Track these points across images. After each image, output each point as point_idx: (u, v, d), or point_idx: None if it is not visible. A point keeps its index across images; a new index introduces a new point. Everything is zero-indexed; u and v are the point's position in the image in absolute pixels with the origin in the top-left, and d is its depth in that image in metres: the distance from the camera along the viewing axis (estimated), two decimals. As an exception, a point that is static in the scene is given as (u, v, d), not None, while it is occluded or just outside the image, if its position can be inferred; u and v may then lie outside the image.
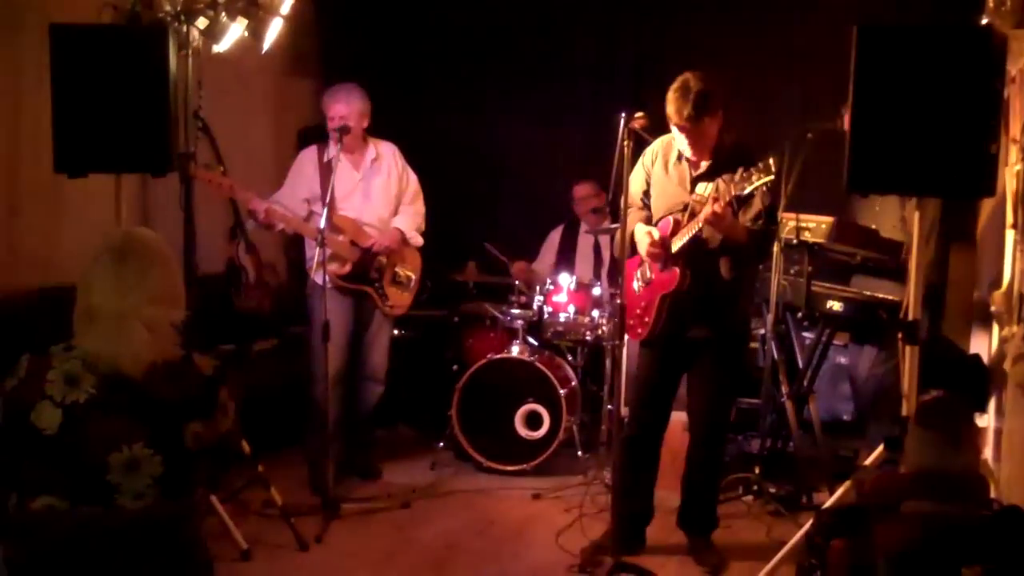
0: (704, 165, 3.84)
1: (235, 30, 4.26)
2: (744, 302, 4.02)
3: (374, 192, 4.85)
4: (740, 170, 3.56)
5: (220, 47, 4.32)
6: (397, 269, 4.89)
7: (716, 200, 3.58)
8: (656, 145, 4.01)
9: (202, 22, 4.02)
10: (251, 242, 5.25)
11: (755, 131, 5.80)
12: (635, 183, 4.02)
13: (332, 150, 4.69)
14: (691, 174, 3.86)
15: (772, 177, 3.46)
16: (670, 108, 3.70)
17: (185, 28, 3.97)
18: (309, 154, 4.84)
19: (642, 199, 4.02)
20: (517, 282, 5.52)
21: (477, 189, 6.44)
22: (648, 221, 3.97)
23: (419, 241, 4.99)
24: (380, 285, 4.83)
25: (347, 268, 4.72)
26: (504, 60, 6.37)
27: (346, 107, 4.67)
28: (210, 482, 2.36)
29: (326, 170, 4.69)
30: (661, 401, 3.99)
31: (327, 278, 4.53)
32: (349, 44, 6.44)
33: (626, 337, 3.95)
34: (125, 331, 2.12)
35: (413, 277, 4.98)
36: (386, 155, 4.91)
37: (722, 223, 3.63)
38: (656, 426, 4.02)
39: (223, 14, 4.09)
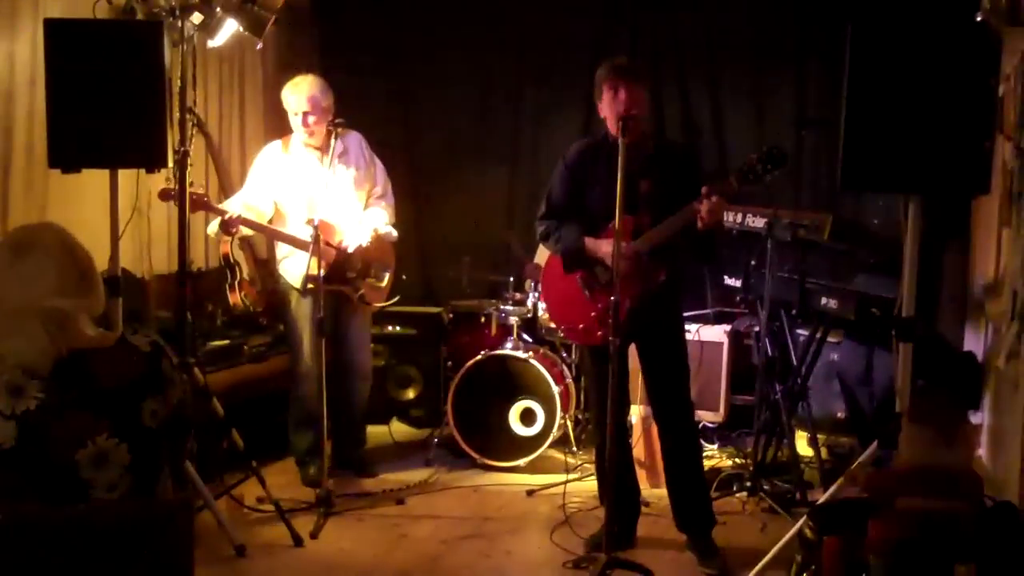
0: (641, 159, 3.78)
1: (230, 25, 4.24)
2: (680, 280, 4.03)
3: (343, 188, 4.72)
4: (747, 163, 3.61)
5: (215, 42, 4.31)
6: (372, 265, 4.79)
7: (711, 196, 3.57)
8: (579, 146, 4.00)
9: (197, 17, 4.01)
10: (245, 238, 5.24)
11: (753, 121, 5.87)
12: (560, 190, 3.98)
13: (295, 146, 4.63)
14: (629, 169, 3.78)
15: (783, 165, 3.52)
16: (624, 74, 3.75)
17: (180, 23, 3.95)
18: (272, 151, 4.72)
19: (564, 206, 3.97)
20: (528, 281, 5.46)
21: (475, 184, 6.44)
22: (584, 226, 3.92)
23: (393, 235, 4.86)
24: (356, 283, 4.73)
25: (322, 270, 4.56)
26: (504, 54, 6.36)
27: (310, 101, 4.55)
28: (176, 454, 2.32)
29: (290, 167, 4.62)
30: (621, 398, 3.92)
31: (303, 280, 4.46)
32: (346, 38, 6.43)
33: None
34: (25, 327, 2.08)
35: (388, 272, 4.90)
36: (352, 147, 4.78)
37: (718, 216, 3.63)
38: (623, 424, 4.02)
39: (218, 9, 4.08)
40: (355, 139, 4.81)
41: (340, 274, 4.67)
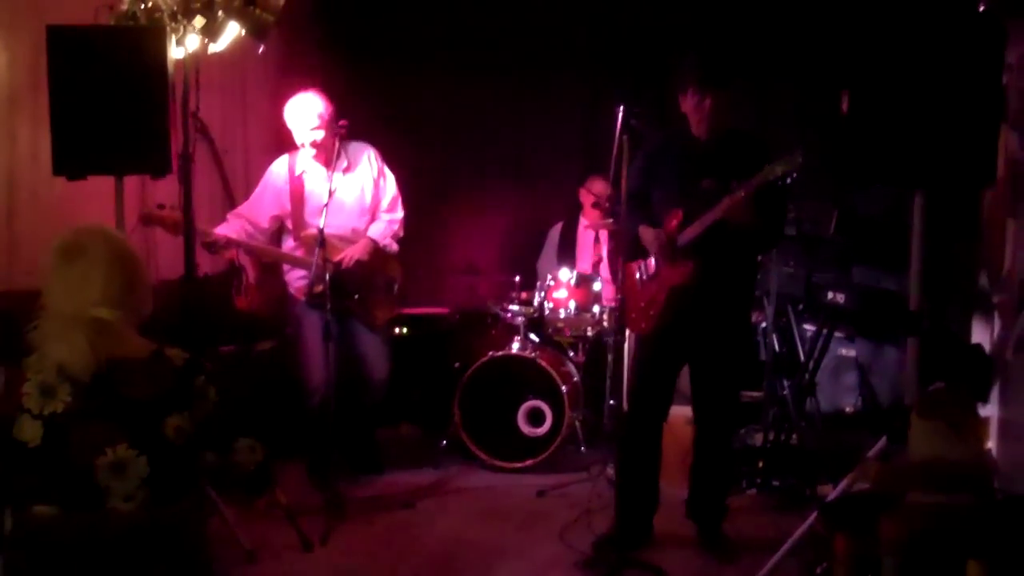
0: (706, 150, 3.82)
1: (232, 28, 4.24)
2: (748, 292, 4.03)
3: (346, 203, 4.67)
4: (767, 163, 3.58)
5: (217, 47, 4.31)
6: (376, 278, 4.75)
7: (737, 190, 3.58)
8: (657, 139, 4.04)
9: (199, 21, 4.00)
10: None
11: (753, 117, 5.85)
12: (634, 178, 4.01)
13: (303, 162, 4.61)
14: (693, 160, 3.84)
15: (796, 168, 3.49)
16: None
17: (182, 28, 3.95)
18: (279, 167, 4.69)
19: (637, 193, 4.00)
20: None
21: (479, 184, 6.44)
22: (650, 220, 3.95)
23: (394, 248, 4.82)
24: (361, 297, 4.69)
25: (321, 287, 4.41)
26: (506, 56, 6.37)
27: (313, 118, 4.52)
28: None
29: (297, 184, 4.60)
30: (663, 394, 3.99)
31: (305, 297, 4.45)
32: (348, 43, 6.44)
33: (627, 333, 3.96)
34: (69, 335, 2.10)
35: (394, 285, 4.86)
36: (359, 161, 4.73)
37: (740, 212, 3.62)
38: (658, 419, 4.02)
39: (220, 12, 4.07)
40: (362, 151, 4.76)
41: (341, 290, 4.55)
